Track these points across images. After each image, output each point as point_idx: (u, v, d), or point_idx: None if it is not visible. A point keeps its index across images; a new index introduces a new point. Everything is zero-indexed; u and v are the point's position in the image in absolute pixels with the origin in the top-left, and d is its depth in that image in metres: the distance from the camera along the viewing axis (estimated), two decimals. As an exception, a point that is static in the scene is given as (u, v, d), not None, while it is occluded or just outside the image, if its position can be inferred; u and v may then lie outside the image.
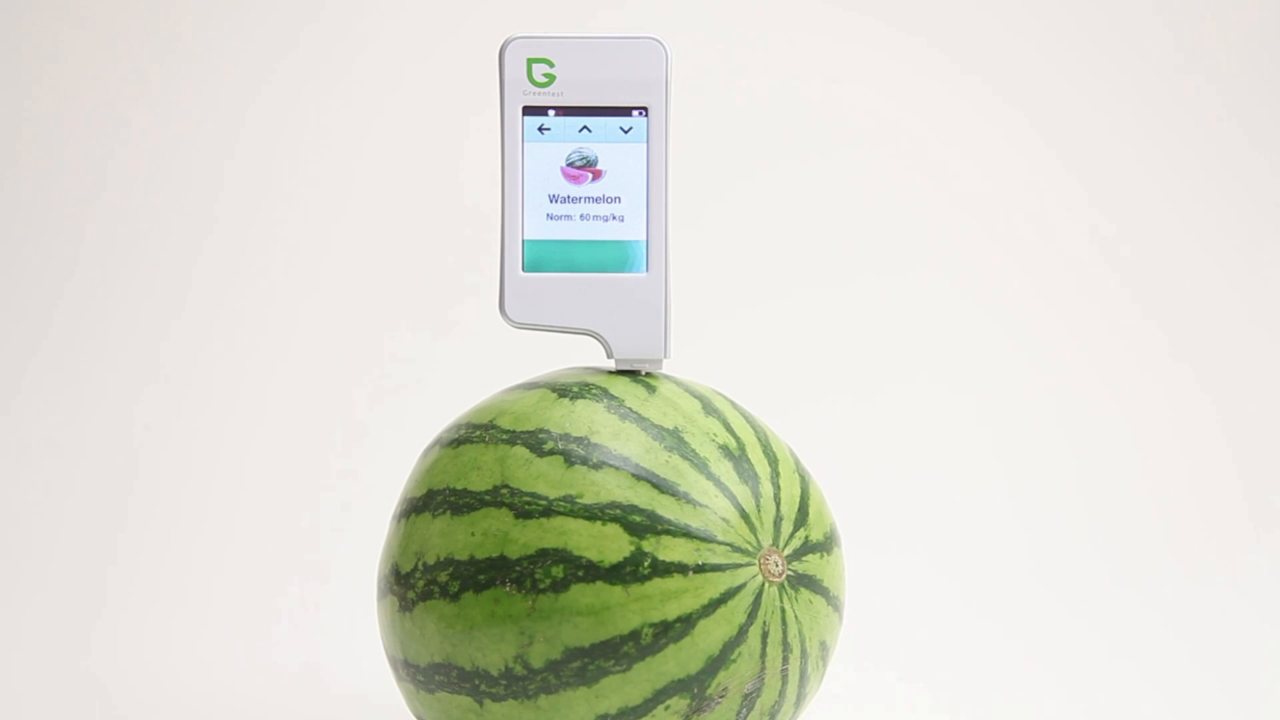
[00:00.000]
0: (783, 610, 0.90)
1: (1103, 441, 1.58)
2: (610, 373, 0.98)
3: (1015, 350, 1.63)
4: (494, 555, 0.89)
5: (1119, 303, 1.64)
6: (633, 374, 0.98)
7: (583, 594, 0.87)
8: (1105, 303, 1.64)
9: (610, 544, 0.87)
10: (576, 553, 0.88)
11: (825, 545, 0.94)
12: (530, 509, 0.89)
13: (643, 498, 0.88)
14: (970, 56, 1.67)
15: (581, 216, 0.97)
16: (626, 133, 0.97)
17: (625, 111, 0.97)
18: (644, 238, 0.97)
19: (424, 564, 0.92)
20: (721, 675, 0.88)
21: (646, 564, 0.87)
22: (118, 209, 1.62)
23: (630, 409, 0.93)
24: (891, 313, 1.63)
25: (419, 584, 0.92)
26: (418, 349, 1.60)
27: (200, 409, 1.56)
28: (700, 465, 0.90)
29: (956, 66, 1.67)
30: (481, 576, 0.89)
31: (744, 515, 0.90)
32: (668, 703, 0.88)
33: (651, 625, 0.87)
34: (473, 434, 0.95)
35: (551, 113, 0.97)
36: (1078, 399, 1.61)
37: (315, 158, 1.64)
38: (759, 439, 0.95)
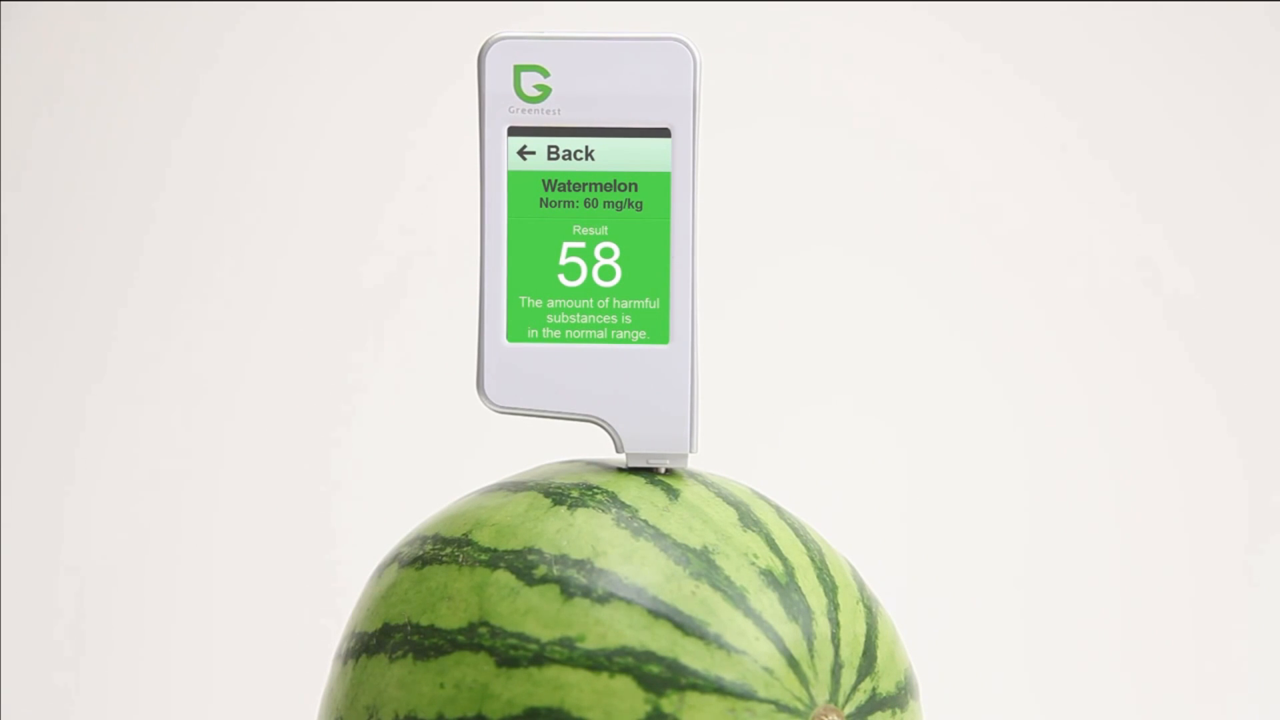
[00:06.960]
0: (846, 789, 0.81)
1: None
2: (619, 471, 0.89)
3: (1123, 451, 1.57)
4: (469, 715, 0.80)
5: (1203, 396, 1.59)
6: (649, 473, 0.88)
7: (584, 773, 0.79)
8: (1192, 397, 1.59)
9: (620, 702, 0.79)
10: (576, 714, 0.79)
11: (898, 699, 0.84)
12: (517, 655, 0.81)
13: (662, 642, 0.80)
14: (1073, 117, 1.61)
15: None
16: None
17: (641, 134, 0.88)
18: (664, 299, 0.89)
19: (377, 725, 0.84)
20: None
21: (666, 730, 0.80)
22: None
23: (646, 522, 0.84)
24: (964, 399, 1.57)
25: (370, 752, 0.83)
26: (364, 434, 1.54)
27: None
28: (736, 597, 0.81)
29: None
30: (452, 745, 0.81)
31: (793, 663, 0.81)
32: None
33: (675, 817, 0.79)
34: (442, 551, 0.86)
35: (545, 135, 0.89)
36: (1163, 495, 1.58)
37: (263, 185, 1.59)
38: (813, 559, 0.85)
